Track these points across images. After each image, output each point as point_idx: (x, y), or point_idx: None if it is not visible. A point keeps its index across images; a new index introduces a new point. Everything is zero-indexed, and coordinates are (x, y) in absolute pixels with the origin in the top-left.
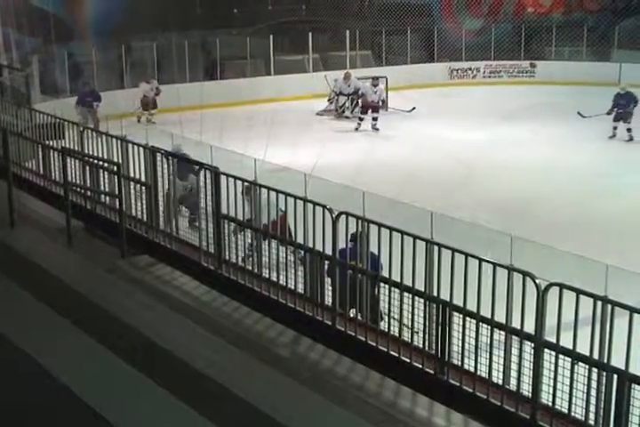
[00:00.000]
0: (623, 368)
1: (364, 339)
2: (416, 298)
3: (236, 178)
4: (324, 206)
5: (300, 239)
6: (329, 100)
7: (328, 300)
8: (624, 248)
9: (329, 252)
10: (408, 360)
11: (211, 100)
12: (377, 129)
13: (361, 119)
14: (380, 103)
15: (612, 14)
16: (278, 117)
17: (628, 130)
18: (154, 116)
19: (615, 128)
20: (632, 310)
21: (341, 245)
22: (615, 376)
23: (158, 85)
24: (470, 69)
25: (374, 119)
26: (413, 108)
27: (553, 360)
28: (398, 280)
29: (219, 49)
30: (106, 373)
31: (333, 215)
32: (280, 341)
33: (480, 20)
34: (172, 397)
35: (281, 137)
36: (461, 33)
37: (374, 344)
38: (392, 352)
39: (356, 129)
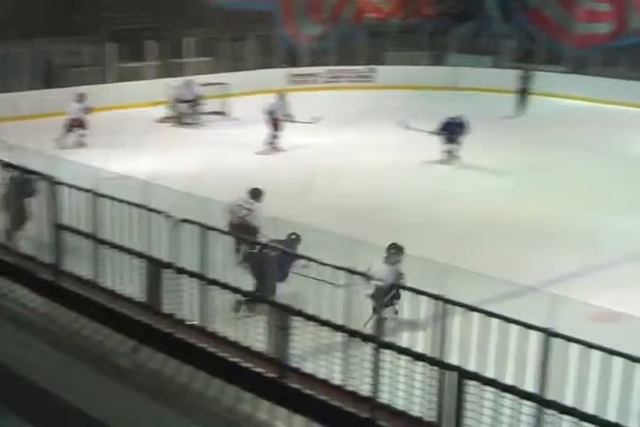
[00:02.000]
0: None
1: (205, 346)
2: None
3: (73, 187)
4: (163, 213)
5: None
6: (170, 107)
7: (166, 308)
8: (462, 249)
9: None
10: (250, 366)
11: (50, 109)
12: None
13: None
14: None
15: (449, 20)
16: (119, 125)
17: (449, 152)
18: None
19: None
20: (469, 309)
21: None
22: (447, 373)
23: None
24: (311, 75)
25: (275, 137)
26: (316, 119)
27: (393, 360)
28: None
29: (58, 57)
30: None
31: (173, 222)
32: (119, 350)
33: (320, 25)
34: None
35: (121, 145)
36: (302, 39)
37: (215, 351)
38: (234, 359)
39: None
